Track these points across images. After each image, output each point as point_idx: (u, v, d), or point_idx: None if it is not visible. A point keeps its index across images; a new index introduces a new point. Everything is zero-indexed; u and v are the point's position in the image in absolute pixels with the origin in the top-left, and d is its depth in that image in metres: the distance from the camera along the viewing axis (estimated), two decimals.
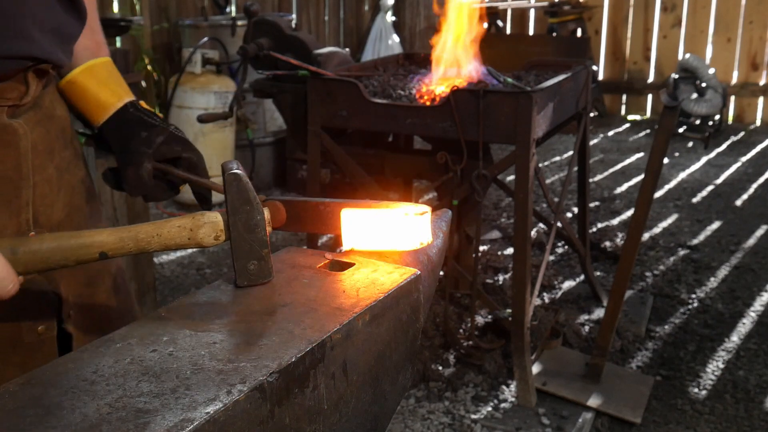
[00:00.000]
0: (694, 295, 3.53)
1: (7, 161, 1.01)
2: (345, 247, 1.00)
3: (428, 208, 0.99)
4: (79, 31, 1.12)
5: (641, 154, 6.07)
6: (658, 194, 4.95)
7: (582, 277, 3.54)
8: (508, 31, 7.74)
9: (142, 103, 1.21)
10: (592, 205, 4.70)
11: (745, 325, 3.26)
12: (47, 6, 1.02)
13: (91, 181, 1.23)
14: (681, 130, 5.88)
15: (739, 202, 4.91)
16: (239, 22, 4.81)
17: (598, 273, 3.68)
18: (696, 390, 2.78)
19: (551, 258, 3.87)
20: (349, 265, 0.97)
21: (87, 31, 1.19)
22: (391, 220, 0.98)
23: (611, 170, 5.69)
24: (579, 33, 6.90)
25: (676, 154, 6.06)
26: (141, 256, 2.86)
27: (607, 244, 4.02)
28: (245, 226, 0.89)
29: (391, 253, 1.03)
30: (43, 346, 1.08)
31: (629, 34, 7.42)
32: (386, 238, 0.98)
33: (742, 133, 6.77)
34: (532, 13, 7.73)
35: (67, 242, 0.88)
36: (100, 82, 1.18)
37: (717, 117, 6.42)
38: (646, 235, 4.22)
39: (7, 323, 1.04)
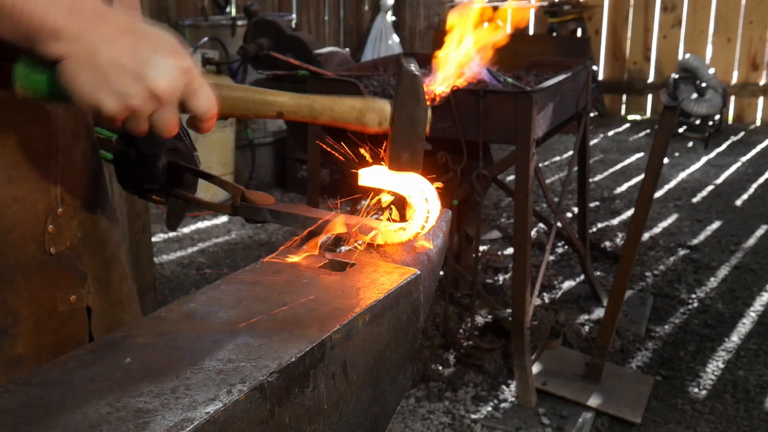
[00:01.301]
0: (694, 295, 3.53)
1: (40, 138, 1.07)
2: (361, 181, 1.08)
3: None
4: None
5: (641, 154, 6.07)
6: (658, 194, 4.95)
7: (582, 277, 3.54)
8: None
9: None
10: (592, 205, 4.70)
11: (745, 325, 3.26)
12: None
13: (104, 175, 1.28)
14: (681, 130, 5.89)
15: (739, 202, 4.91)
16: (239, 22, 4.81)
17: (598, 273, 3.68)
18: (696, 390, 2.78)
19: (551, 258, 3.88)
20: (350, 265, 0.97)
21: None
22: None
23: (611, 170, 5.69)
24: (579, 33, 6.90)
25: (676, 154, 6.06)
26: (142, 256, 2.86)
27: (607, 244, 4.02)
28: (409, 119, 0.99)
29: (391, 252, 1.03)
30: (74, 315, 1.14)
31: (629, 34, 7.42)
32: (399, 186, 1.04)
33: (742, 133, 6.77)
34: (532, 13, 7.73)
35: (253, 95, 0.98)
36: None
37: (717, 117, 6.43)
38: (646, 235, 4.22)
39: (44, 292, 1.10)
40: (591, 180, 5.11)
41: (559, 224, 2.95)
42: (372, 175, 1.06)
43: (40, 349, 1.09)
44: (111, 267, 1.23)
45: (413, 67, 1.00)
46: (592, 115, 5.02)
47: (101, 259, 1.20)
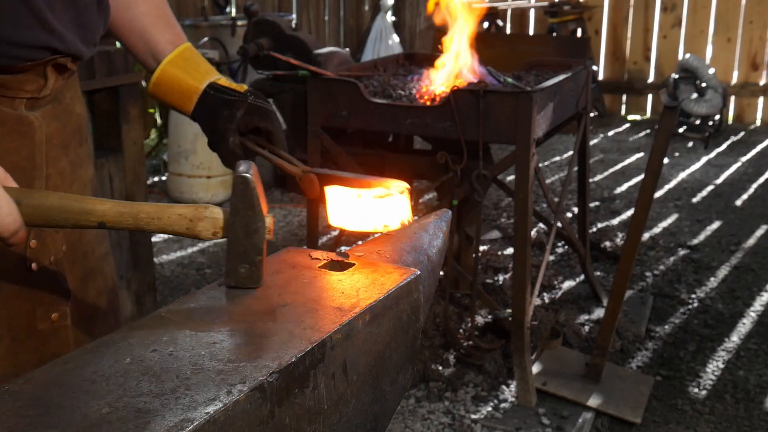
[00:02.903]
0: (694, 295, 3.53)
1: (22, 151, 1.05)
2: (331, 222, 1.06)
3: (406, 185, 1.03)
4: (102, 27, 1.15)
5: (641, 154, 6.07)
6: (658, 194, 4.95)
7: (582, 277, 3.54)
8: (508, 31, 7.74)
9: (222, 81, 1.27)
10: (592, 205, 4.70)
11: (745, 325, 3.26)
12: None
13: (96, 182, 1.26)
14: (681, 130, 5.88)
15: (739, 202, 4.91)
16: (239, 22, 4.82)
17: (598, 273, 3.68)
18: (696, 390, 2.78)
19: (551, 258, 3.87)
20: (349, 265, 0.97)
21: (167, 25, 1.27)
22: (370, 201, 1.02)
23: (611, 170, 5.69)
24: (579, 33, 6.90)
25: (676, 154, 6.06)
26: (141, 256, 2.86)
27: (607, 244, 4.02)
28: (244, 229, 0.89)
29: (391, 252, 1.03)
30: (56, 334, 1.11)
31: (629, 34, 7.42)
32: (367, 218, 1.03)
33: (742, 133, 6.77)
34: (532, 13, 7.73)
35: (70, 204, 0.89)
36: (183, 70, 1.25)
37: (717, 117, 6.42)
38: (646, 235, 4.22)
39: (22, 310, 1.07)
40: (591, 180, 5.10)
41: (559, 224, 2.95)
42: (338, 218, 1.05)
43: (19, 368, 1.06)
44: (89, 280, 1.20)
45: (244, 169, 0.89)
46: (592, 115, 5.02)
47: (80, 272, 1.17)
